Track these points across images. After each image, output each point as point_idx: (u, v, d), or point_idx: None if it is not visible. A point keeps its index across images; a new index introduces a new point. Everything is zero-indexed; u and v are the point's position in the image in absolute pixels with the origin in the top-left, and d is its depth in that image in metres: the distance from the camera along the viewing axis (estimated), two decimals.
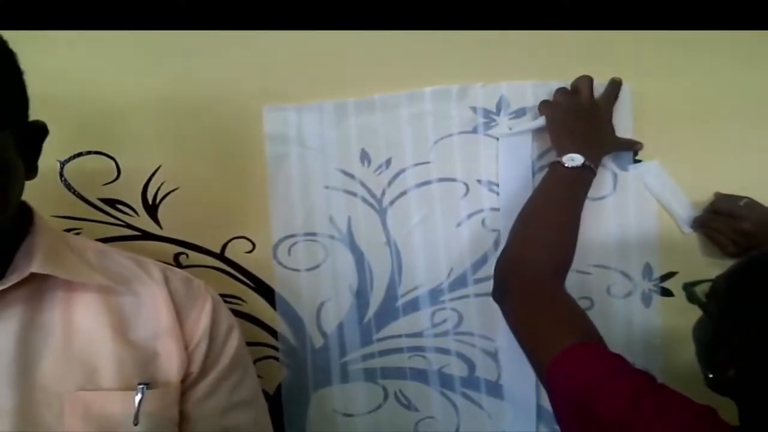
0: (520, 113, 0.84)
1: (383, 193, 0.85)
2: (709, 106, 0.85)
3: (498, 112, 0.84)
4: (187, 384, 0.62)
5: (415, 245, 0.86)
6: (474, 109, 0.83)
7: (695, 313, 0.64)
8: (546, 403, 0.87)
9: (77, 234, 0.80)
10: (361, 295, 0.87)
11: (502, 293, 0.74)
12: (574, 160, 0.75)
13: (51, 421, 0.54)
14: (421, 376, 0.90)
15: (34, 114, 0.58)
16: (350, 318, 0.88)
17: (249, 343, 0.86)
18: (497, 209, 0.86)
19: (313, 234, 0.85)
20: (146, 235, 0.82)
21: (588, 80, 0.81)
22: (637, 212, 0.86)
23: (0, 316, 0.55)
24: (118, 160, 0.79)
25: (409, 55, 0.81)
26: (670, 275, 0.88)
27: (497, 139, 0.84)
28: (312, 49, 0.80)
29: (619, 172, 0.86)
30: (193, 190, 0.82)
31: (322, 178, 0.84)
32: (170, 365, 0.61)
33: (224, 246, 0.84)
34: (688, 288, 0.64)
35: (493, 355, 0.89)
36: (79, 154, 0.79)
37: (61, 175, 0.79)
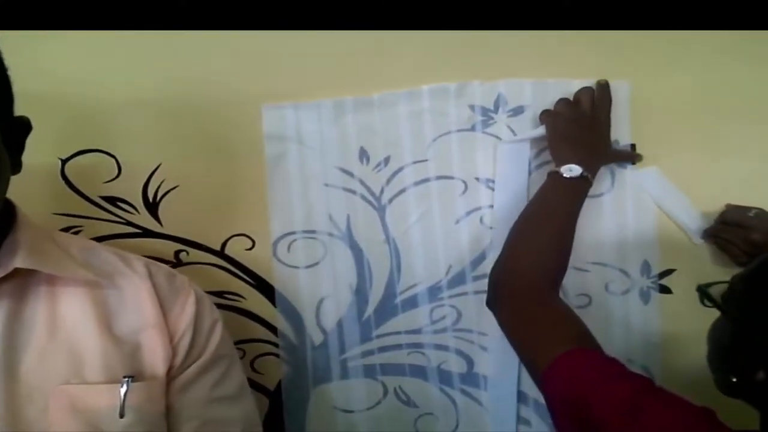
0: (518, 111, 0.84)
1: (382, 191, 0.85)
2: (708, 105, 0.85)
3: (496, 109, 0.84)
4: (170, 376, 0.62)
5: (413, 243, 0.87)
6: (472, 107, 0.84)
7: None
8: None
9: (78, 232, 0.81)
10: (360, 292, 0.88)
11: (496, 301, 0.74)
12: (572, 170, 0.75)
13: (36, 415, 0.54)
14: (420, 372, 0.91)
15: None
16: (349, 315, 0.88)
17: (249, 340, 0.88)
18: None
19: (313, 231, 0.86)
20: (147, 233, 0.83)
21: (590, 92, 0.81)
22: (635, 209, 0.86)
23: None
24: (118, 158, 0.80)
25: (408, 53, 0.82)
26: (668, 272, 0.88)
27: (496, 137, 0.84)
28: (311, 48, 0.80)
29: (616, 170, 0.86)
30: (193, 188, 0.82)
31: (321, 176, 0.84)
32: (155, 358, 0.61)
33: (224, 243, 0.85)
34: (703, 290, 0.63)
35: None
36: (80, 152, 0.79)
37: (62, 172, 0.79)
